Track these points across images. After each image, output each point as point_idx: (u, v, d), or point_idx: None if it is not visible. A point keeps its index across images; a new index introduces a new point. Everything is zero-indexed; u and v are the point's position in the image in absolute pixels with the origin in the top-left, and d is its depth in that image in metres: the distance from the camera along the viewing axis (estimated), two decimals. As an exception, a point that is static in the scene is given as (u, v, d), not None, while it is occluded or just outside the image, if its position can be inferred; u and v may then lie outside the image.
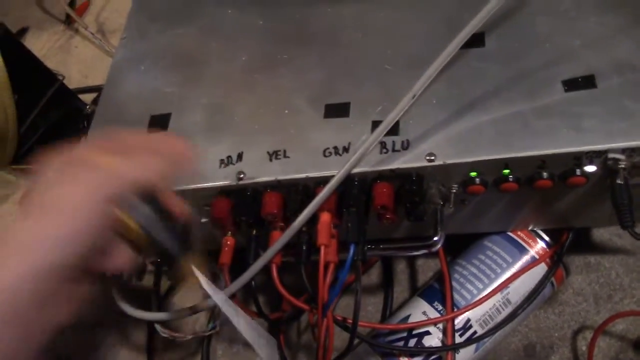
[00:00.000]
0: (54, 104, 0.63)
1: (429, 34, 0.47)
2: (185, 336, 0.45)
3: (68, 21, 0.84)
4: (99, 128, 0.53)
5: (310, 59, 0.49)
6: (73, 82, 0.75)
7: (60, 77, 0.64)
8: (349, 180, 0.41)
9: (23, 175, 0.66)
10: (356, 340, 0.47)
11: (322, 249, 0.40)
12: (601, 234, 0.54)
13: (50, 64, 0.76)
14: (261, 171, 0.43)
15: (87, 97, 0.71)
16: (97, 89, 0.69)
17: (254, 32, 0.54)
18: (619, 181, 0.38)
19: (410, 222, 0.45)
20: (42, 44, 0.81)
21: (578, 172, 0.38)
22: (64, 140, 0.58)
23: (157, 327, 0.44)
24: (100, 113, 0.54)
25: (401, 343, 0.45)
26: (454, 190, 0.42)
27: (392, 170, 0.40)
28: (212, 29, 0.55)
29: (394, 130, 0.42)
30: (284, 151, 0.44)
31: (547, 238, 0.48)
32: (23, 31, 0.83)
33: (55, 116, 0.64)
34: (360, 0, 0.52)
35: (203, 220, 0.47)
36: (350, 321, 0.42)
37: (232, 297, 0.43)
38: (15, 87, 0.58)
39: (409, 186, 0.40)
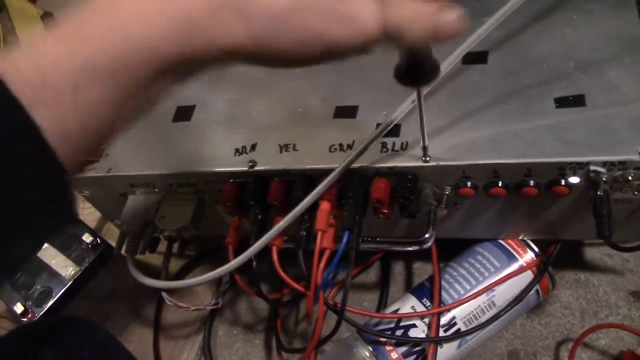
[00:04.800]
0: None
1: (438, 49, 0.51)
2: (189, 307, 0.48)
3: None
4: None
5: (325, 65, 0.53)
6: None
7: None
8: (349, 174, 0.44)
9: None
10: (349, 333, 0.50)
11: (319, 234, 0.44)
12: (593, 253, 0.56)
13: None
14: (271, 161, 0.47)
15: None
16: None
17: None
18: (599, 193, 0.40)
19: (405, 222, 0.49)
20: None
21: (562, 182, 0.41)
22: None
23: (164, 295, 0.48)
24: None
25: (388, 332, 0.48)
26: (447, 193, 0.45)
27: (389, 168, 0.44)
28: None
29: (395, 132, 0.45)
30: (294, 145, 0.48)
31: (535, 248, 0.50)
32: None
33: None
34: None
35: (216, 204, 0.51)
36: (340, 306, 0.45)
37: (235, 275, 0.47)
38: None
39: (404, 184, 0.44)
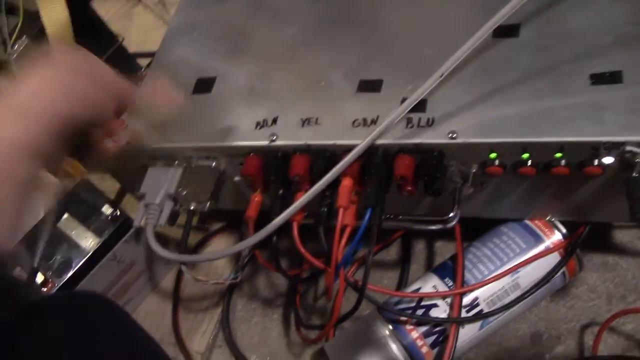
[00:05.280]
0: (112, 62, 0.68)
1: (467, 21, 0.48)
2: (207, 281, 0.48)
3: (133, -10, 0.89)
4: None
5: (350, 38, 0.52)
6: (132, 46, 0.80)
7: (121, 39, 0.69)
8: (373, 150, 0.43)
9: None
10: (369, 310, 0.50)
11: (341, 210, 0.43)
12: (623, 236, 0.55)
13: (113, 28, 0.81)
14: (293, 135, 0.46)
15: (143, 62, 0.76)
16: (153, 54, 0.74)
17: (301, 11, 0.56)
18: (634, 174, 0.39)
19: (428, 200, 0.48)
20: (106, 10, 0.86)
21: (595, 162, 0.40)
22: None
23: (183, 268, 0.48)
24: (152, 73, 0.58)
25: (409, 312, 0.47)
26: (474, 170, 0.43)
27: (415, 145, 0.43)
28: (261, 5, 0.59)
29: (421, 107, 0.44)
30: (316, 119, 0.47)
31: (563, 230, 0.49)
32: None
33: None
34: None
35: (236, 178, 0.51)
36: (361, 283, 0.45)
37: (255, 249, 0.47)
38: (79, 43, 0.62)
39: (430, 161, 0.42)
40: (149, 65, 0.74)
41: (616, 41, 0.43)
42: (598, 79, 0.41)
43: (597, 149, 0.39)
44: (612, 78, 0.41)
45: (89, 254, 0.53)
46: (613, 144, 0.38)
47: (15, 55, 0.64)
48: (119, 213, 0.55)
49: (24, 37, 0.60)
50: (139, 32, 0.84)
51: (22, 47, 0.60)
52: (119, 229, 0.55)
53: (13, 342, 0.33)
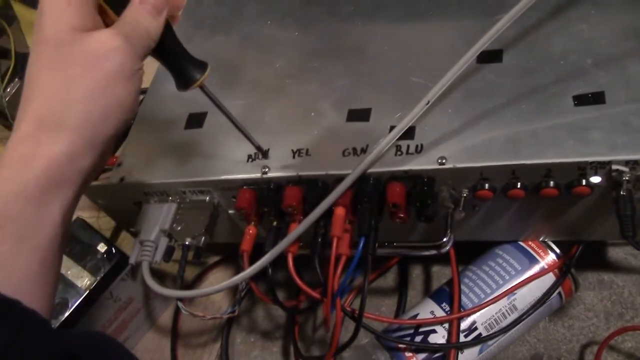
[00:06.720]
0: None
1: (450, 48, 0.50)
2: (205, 316, 0.48)
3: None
4: (140, 124, 0.57)
5: (338, 68, 0.53)
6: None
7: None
8: (364, 179, 0.44)
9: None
10: (368, 339, 0.50)
11: (335, 240, 0.43)
12: (616, 253, 0.55)
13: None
14: (284, 167, 0.47)
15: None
16: (145, 91, 0.74)
17: (289, 42, 0.57)
18: (622, 192, 0.39)
19: (422, 225, 0.48)
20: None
21: (583, 182, 0.40)
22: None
23: (179, 304, 0.48)
24: (144, 110, 0.59)
25: (408, 339, 0.47)
26: (464, 195, 0.44)
27: (405, 172, 0.43)
28: (251, 38, 0.60)
29: (409, 134, 0.44)
30: (307, 150, 0.47)
31: (557, 250, 0.49)
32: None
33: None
34: (388, 17, 0.55)
35: (230, 211, 0.51)
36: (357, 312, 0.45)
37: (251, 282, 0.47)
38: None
39: (421, 187, 0.43)
40: (141, 102, 0.75)
41: (596, 63, 0.44)
42: (581, 100, 0.42)
43: (584, 169, 0.40)
44: (595, 99, 0.42)
45: (86, 293, 0.53)
46: (599, 164, 0.39)
47: (7, 98, 0.65)
48: (114, 251, 0.55)
49: (16, 79, 0.60)
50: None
51: (14, 90, 0.61)
52: (114, 267, 0.55)
53: None
